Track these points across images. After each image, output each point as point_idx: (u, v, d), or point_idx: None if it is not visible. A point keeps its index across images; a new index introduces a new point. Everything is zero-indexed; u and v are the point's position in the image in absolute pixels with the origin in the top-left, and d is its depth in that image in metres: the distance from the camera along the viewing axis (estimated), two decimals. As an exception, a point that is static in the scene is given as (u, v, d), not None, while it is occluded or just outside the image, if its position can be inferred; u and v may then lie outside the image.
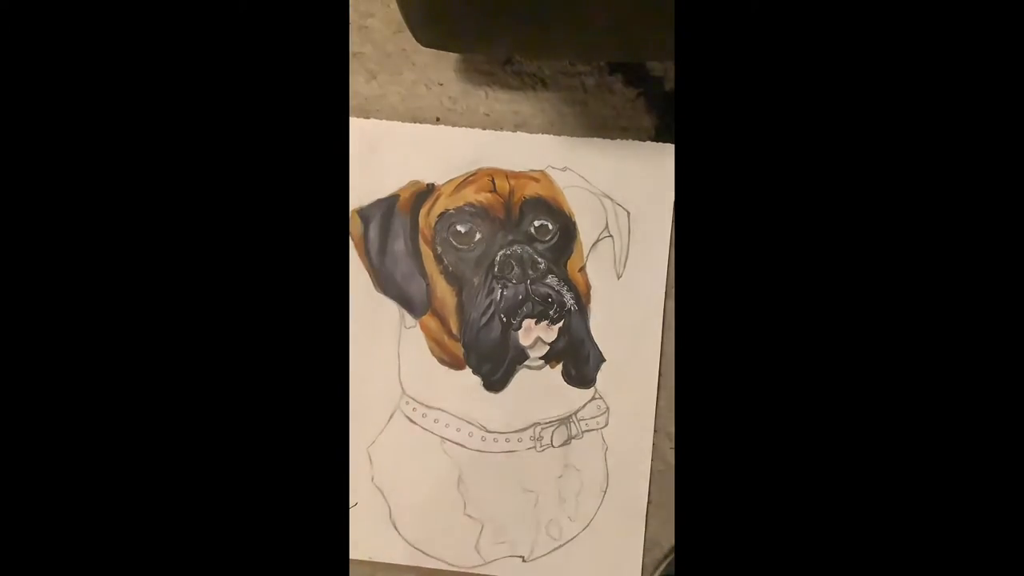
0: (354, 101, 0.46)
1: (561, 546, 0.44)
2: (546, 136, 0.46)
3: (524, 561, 0.44)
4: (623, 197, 0.46)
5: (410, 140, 0.46)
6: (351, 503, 0.44)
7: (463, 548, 0.45)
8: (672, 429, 0.45)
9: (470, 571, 0.44)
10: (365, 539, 0.45)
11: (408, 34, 0.34)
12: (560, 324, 0.45)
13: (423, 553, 0.45)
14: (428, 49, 0.37)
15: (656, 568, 0.44)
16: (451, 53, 0.46)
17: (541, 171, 0.46)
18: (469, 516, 0.45)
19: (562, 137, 0.46)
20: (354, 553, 0.44)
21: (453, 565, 0.44)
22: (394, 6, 0.38)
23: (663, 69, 0.45)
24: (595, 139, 0.46)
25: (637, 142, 0.45)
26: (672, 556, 0.44)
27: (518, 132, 0.46)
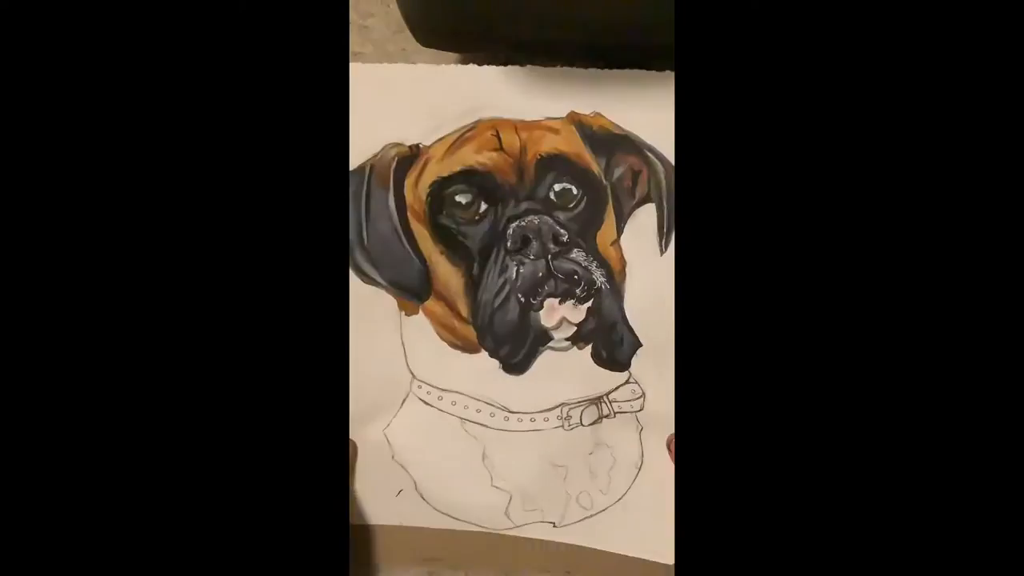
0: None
1: (592, 516, 0.43)
2: (566, 69, 0.33)
3: (555, 527, 0.44)
4: (671, 149, 0.35)
5: (382, 88, 0.34)
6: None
7: (493, 513, 0.44)
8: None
9: (502, 532, 0.45)
10: (392, 507, 0.44)
11: (408, 34, 0.34)
12: (588, 304, 0.38)
13: (453, 518, 0.45)
14: (428, 49, 0.36)
15: None
16: (451, 53, 0.41)
17: (562, 119, 0.34)
18: (497, 488, 0.43)
19: (589, 71, 0.33)
20: (382, 519, 0.44)
21: (484, 527, 0.44)
22: (394, 6, 0.36)
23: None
24: (634, 71, 0.33)
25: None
26: None
27: (529, 67, 0.33)
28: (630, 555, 0.44)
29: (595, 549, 0.44)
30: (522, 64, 0.36)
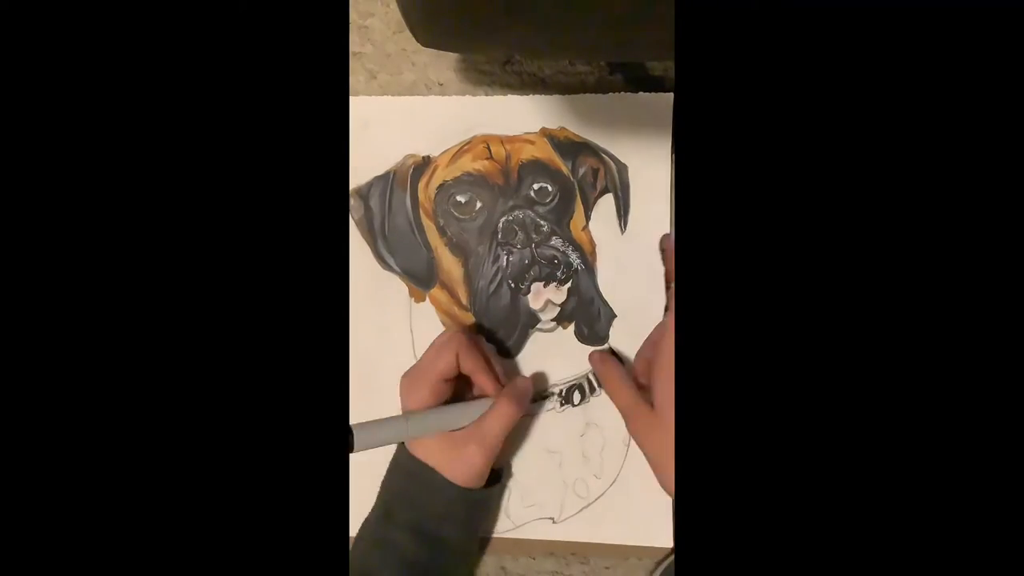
0: (355, 100, 0.46)
1: (589, 504, 0.44)
2: (538, 96, 0.45)
3: (554, 522, 0.45)
4: (620, 151, 0.45)
5: (401, 113, 0.46)
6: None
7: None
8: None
9: (502, 536, 0.45)
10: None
11: (408, 34, 0.34)
12: (568, 284, 0.45)
13: (453, 522, 0.45)
14: (428, 49, 0.37)
15: (656, 568, 0.44)
16: (451, 53, 0.45)
17: (536, 133, 0.46)
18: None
19: (554, 96, 0.45)
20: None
21: (484, 531, 0.45)
22: (394, 6, 0.40)
23: (663, 69, 0.45)
24: (587, 95, 0.45)
25: (630, 94, 0.44)
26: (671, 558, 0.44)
27: (508, 95, 0.46)
28: (629, 544, 0.43)
29: (595, 543, 0.44)
30: (521, 63, 0.44)
